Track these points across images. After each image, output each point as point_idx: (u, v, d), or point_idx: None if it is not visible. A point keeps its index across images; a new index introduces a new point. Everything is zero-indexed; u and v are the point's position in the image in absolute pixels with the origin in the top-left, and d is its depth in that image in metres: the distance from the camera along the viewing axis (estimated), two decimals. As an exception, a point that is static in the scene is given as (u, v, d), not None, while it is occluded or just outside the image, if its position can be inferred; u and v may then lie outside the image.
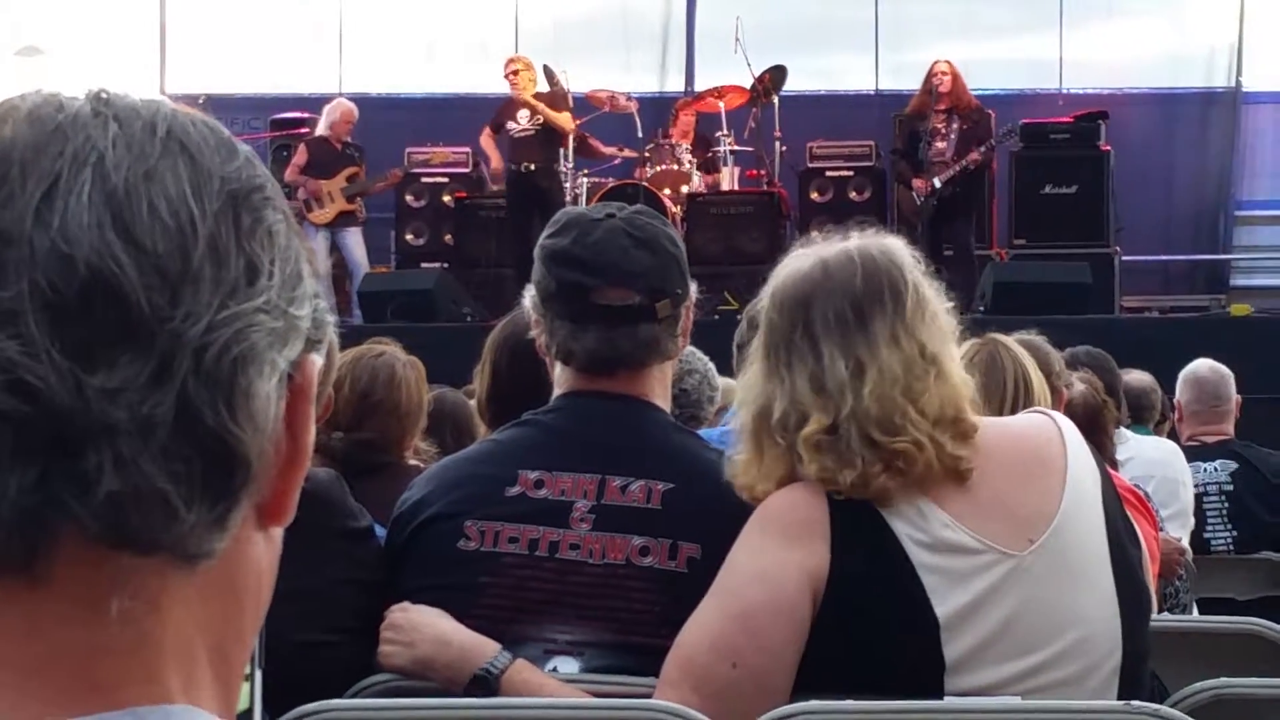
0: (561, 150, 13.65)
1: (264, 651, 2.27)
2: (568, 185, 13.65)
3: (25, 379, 0.89)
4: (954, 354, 2.74)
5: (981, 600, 2.58)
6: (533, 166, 13.38)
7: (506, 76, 13.68)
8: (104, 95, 0.97)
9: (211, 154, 0.96)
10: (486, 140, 13.98)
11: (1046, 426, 2.75)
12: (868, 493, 2.60)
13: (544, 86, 13.76)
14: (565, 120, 13.44)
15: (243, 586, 0.99)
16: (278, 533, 1.02)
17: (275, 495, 0.98)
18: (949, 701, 2.56)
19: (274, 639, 2.23)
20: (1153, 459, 6.08)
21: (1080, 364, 5.68)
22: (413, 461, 4.24)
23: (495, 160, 13.97)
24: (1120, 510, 2.74)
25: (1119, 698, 2.62)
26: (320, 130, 14.21)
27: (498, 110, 13.89)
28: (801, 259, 2.75)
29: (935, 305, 2.72)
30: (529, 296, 3.02)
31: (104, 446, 0.89)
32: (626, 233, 2.93)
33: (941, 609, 2.57)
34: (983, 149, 13.15)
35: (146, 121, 0.96)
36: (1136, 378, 6.85)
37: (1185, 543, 5.80)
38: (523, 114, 13.49)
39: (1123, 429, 5.98)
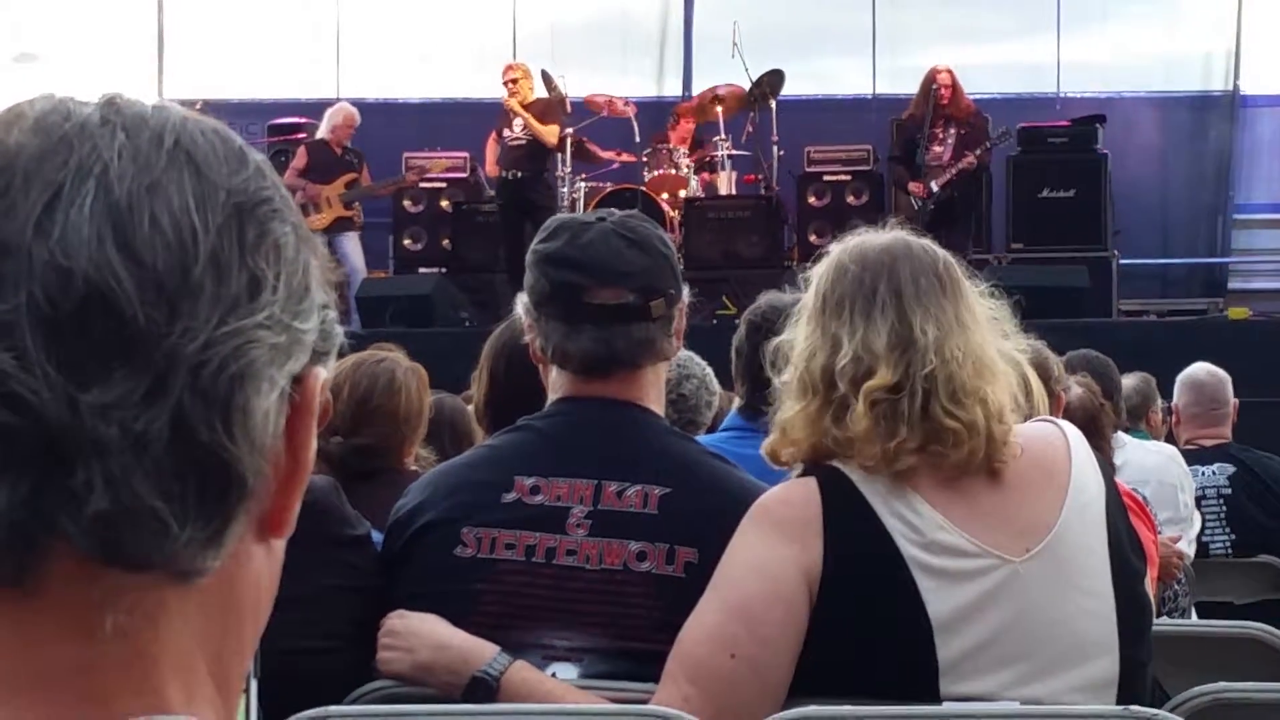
0: (558, 157, 13.66)
1: (260, 660, 2.27)
2: (564, 190, 13.65)
3: (18, 392, 0.88)
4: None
5: (976, 604, 2.58)
6: (520, 175, 13.36)
7: (505, 84, 13.65)
8: (115, 102, 0.95)
9: (219, 165, 0.95)
10: (491, 146, 13.98)
11: (1053, 436, 2.75)
12: (895, 466, 2.60)
13: (542, 93, 13.74)
14: (550, 133, 13.40)
15: (242, 600, 0.98)
16: (279, 545, 1.01)
17: (275, 509, 0.97)
18: (948, 707, 2.56)
19: (271, 646, 2.23)
20: (1148, 464, 6.06)
21: (1079, 368, 5.69)
22: (413, 468, 4.24)
23: (490, 166, 13.97)
24: (1125, 522, 2.73)
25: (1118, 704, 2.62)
26: (321, 134, 14.21)
27: (499, 115, 13.90)
28: (872, 234, 2.81)
29: (998, 312, 2.81)
30: (521, 302, 3.02)
31: (94, 463, 0.88)
32: (618, 234, 2.94)
33: (935, 610, 2.58)
34: (977, 152, 13.13)
35: (154, 132, 0.94)
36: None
37: (1186, 547, 5.78)
38: (517, 122, 13.48)
39: (1120, 433, 5.98)
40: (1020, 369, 2.77)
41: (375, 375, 4.13)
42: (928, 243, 2.81)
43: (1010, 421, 2.67)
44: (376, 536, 3.09)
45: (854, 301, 2.70)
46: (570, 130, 13.73)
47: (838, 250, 2.79)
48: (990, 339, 2.72)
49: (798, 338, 2.75)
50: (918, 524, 2.61)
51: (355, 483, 3.63)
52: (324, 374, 0.99)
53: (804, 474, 2.71)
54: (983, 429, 2.61)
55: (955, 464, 2.61)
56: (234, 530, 0.94)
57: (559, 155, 13.66)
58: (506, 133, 13.55)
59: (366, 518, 3.12)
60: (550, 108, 13.63)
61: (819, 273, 2.78)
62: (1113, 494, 2.73)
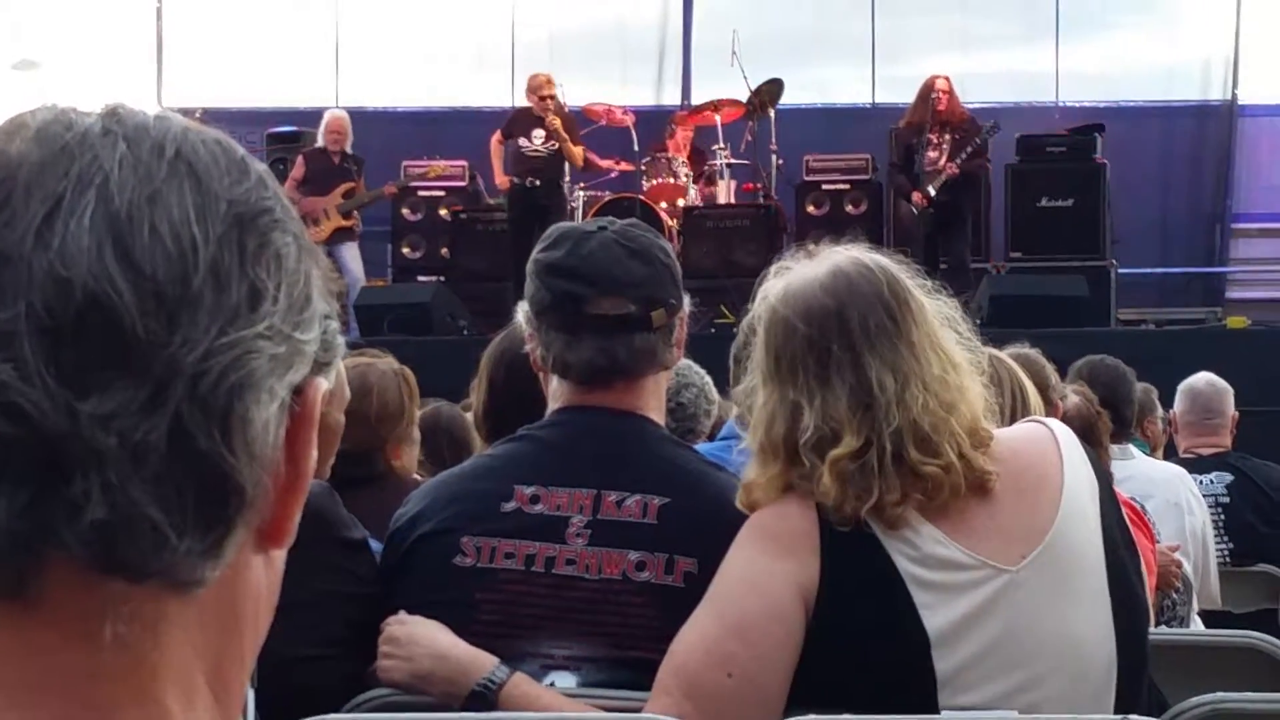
0: (566, 166, 13.67)
1: (257, 668, 2.27)
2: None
3: (17, 402, 0.88)
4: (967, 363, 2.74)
5: (973, 616, 2.57)
6: (538, 183, 13.36)
7: (544, 97, 13.47)
8: (117, 113, 0.96)
9: (220, 176, 0.95)
10: (495, 146, 13.93)
11: (1042, 437, 2.73)
12: (880, 519, 2.58)
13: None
14: (578, 155, 13.43)
15: (241, 610, 0.99)
16: (278, 555, 1.01)
17: (275, 519, 0.97)
18: (945, 717, 2.56)
19: (268, 653, 2.22)
20: (1154, 478, 6.02)
21: (1085, 375, 5.70)
22: (415, 476, 4.23)
23: (498, 169, 13.91)
24: (1118, 516, 2.72)
25: (1116, 709, 2.62)
26: (319, 142, 14.21)
27: (512, 118, 13.83)
28: (809, 268, 2.72)
29: (946, 312, 2.73)
30: (522, 311, 3.02)
31: (92, 473, 0.89)
32: (620, 244, 2.94)
33: (932, 624, 2.56)
34: (969, 150, 13.07)
35: (155, 142, 0.94)
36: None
37: (1187, 565, 5.76)
38: (538, 134, 13.43)
39: (1130, 447, 5.96)
40: (982, 364, 2.75)
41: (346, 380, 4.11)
42: (867, 266, 2.69)
43: (987, 427, 2.65)
44: (374, 544, 3.09)
45: (806, 364, 2.63)
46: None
47: (778, 298, 2.69)
48: (950, 349, 2.67)
49: (756, 400, 2.70)
50: (913, 539, 2.59)
51: (343, 490, 3.62)
52: (325, 384, 0.99)
53: None
54: (959, 466, 2.59)
55: (943, 503, 2.60)
56: (233, 541, 0.94)
57: (566, 165, 13.67)
58: (525, 142, 13.50)
59: (360, 524, 3.11)
60: (572, 123, 13.61)
61: (764, 324, 2.70)
62: (1106, 491, 2.71)
